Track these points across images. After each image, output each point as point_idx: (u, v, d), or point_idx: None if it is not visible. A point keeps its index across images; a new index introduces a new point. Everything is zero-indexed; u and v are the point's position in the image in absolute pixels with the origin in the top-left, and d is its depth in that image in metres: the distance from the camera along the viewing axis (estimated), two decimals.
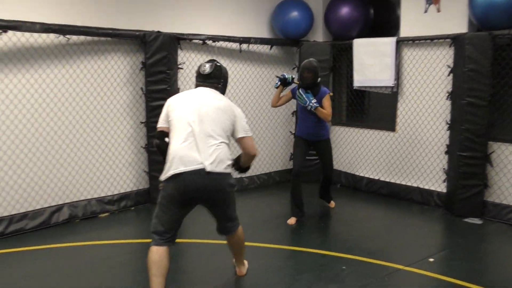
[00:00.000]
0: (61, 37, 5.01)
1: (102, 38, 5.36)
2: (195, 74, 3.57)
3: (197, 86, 3.52)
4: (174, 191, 3.20)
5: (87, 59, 5.30)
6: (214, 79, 3.48)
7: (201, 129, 3.22)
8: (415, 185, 6.09)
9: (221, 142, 3.27)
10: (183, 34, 5.95)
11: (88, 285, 3.75)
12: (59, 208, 5.15)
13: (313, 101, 4.93)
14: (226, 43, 6.44)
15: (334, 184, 6.86)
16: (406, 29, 6.10)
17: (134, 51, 5.67)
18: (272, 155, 7.14)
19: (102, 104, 5.48)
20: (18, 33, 4.71)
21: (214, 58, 6.40)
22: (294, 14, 6.76)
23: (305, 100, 4.95)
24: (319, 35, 7.16)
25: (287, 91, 5.41)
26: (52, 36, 4.95)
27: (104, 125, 5.52)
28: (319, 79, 5.08)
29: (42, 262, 4.22)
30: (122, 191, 5.71)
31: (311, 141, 5.23)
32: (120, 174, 5.70)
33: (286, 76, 5.23)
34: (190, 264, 4.21)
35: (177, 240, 3.46)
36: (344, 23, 6.67)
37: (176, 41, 5.88)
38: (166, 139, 3.33)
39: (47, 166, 5.09)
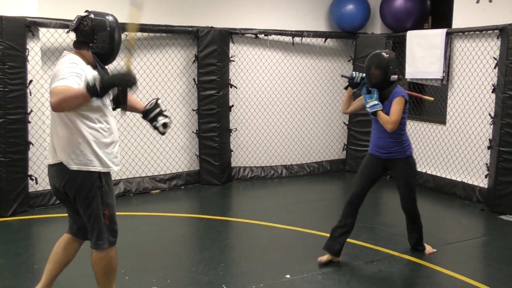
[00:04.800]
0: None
1: (158, 34, 6.02)
2: None
3: None
4: None
5: (143, 53, 6.00)
6: (80, 37, 2.80)
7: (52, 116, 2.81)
8: (459, 179, 5.97)
9: (59, 128, 2.75)
10: (235, 29, 6.42)
11: (131, 246, 4.27)
12: (115, 183, 5.92)
13: (370, 103, 3.74)
14: (279, 36, 6.78)
15: (386, 177, 6.93)
16: (458, 20, 5.96)
17: (187, 45, 6.27)
18: (325, 145, 7.36)
19: (157, 93, 6.15)
20: None
21: (267, 51, 6.79)
22: (350, 7, 6.91)
23: (365, 101, 3.81)
24: (377, 27, 7.21)
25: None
26: None
27: None
28: (394, 76, 3.77)
29: None
30: (174, 171, 6.36)
31: (384, 160, 3.91)
32: (173, 156, 6.36)
33: (354, 75, 3.93)
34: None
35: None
36: (398, 15, 6.67)
37: (228, 35, 6.36)
38: None
39: None
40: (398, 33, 6.83)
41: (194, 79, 6.31)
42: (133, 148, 6.07)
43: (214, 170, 6.40)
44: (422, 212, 5.40)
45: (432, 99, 4.62)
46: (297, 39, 6.89)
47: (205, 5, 6.34)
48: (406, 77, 6.58)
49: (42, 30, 5.29)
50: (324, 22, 7.19)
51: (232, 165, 6.67)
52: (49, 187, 5.31)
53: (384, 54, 3.78)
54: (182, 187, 6.37)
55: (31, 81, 5.15)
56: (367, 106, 3.76)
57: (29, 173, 5.22)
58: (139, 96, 6.01)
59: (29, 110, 5.15)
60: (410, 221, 4.15)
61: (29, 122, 5.17)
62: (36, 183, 5.27)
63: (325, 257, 3.94)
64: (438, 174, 6.27)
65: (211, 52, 6.19)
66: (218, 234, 4.76)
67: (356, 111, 4.13)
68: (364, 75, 3.90)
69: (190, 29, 6.12)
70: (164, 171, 6.30)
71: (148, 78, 6.07)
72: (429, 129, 6.46)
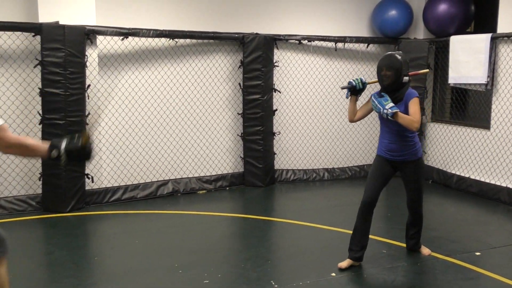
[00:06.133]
0: (171, 40, 6.03)
1: (206, 41, 6.27)
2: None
3: None
4: None
5: (192, 59, 6.27)
6: None
7: None
8: (504, 185, 5.95)
9: None
10: (279, 35, 6.61)
11: (182, 243, 4.60)
12: (164, 183, 6.21)
13: (387, 106, 3.62)
14: (322, 42, 6.92)
15: (425, 180, 6.97)
16: (504, 25, 5.95)
17: (233, 51, 6.49)
18: (366, 149, 7.44)
19: (204, 97, 6.41)
20: (136, 38, 5.82)
21: (310, 56, 6.94)
22: (393, 12, 6.99)
23: (378, 107, 3.67)
24: (419, 32, 7.25)
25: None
26: (163, 40, 5.99)
27: (206, 115, 6.45)
28: (405, 78, 3.75)
29: (148, 223, 5.27)
30: (219, 172, 6.59)
31: (394, 162, 3.93)
32: (218, 158, 6.59)
33: (354, 83, 3.93)
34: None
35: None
36: (441, 20, 6.70)
37: (272, 41, 6.56)
38: None
39: (157, 147, 6.17)
40: (441, 38, 6.85)
41: (239, 84, 6.53)
42: (181, 150, 6.33)
43: (258, 172, 6.59)
44: (466, 216, 5.49)
45: (427, 71, 4.61)
46: (339, 45, 7.01)
47: (251, 13, 6.56)
48: (449, 82, 6.62)
49: (99, 38, 5.61)
50: (367, 28, 7.29)
51: (275, 168, 6.84)
52: (104, 185, 5.65)
53: (396, 55, 3.75)
54: (227, 188, 6.59)
55: (89, 85, 5.48)
56: (386, 107, 3.60)
57: (86, 172, 5.54)
58: (187, 100, 6.28)
59: (86, 113, 5.47)
60: (414, 221, 4.14)
61: (87, 124, 5.49)
62: (92, 181, 5.59)
63: (345, 263, 3.97)
64: (482, 179, 6.25)
65: (256, 57, 6.39)
66: (263, 233, 4.95)
67: (363, 117, 4.10)
68: (362, 79, 3.93)
69: (236, 35, 6.35)
70: (210, 172, 6.54)
71: (196, 83, 6.33)
72: (473, 134, 6.45)
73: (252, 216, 5.42)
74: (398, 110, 3.63)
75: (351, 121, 4.13)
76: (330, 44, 6.98)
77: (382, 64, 3.76)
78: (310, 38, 6.77)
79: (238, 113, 6.59)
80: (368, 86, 4.29)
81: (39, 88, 5.27)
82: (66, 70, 5.24)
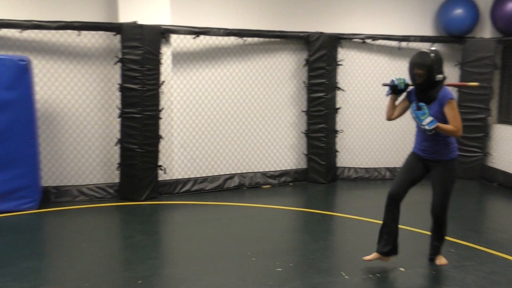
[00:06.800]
0: (239, 39, 6.25)
1: (272, 39, 6.46)
2: None
3: None
4: None
5: (259, 57, 6.48)
6: None
7: None
8: None
9: None
10: (343, 34, 6.71)
11: (251, 233, 4.81)
12: (231, 176, 6.45)
13: (426, 121, 3.51)
14: (385, 41, 6.96)
15: (490, 183, 6.88)
16: None
17: (299, 49, 6.65)
18: None
19: (270, 94, 6.60)
20: (207, 37, 6.08)
21: (374, 55, 7.00)
22: (459, 11, 6.94)
23: (418, 119, 3.56)
24: (486, 31, 7.15)
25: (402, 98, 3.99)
26: (232, 38, 6.23)
27: (271, 112, 6.64)
28: (439, 76, 3.59)
29: (217, 213, 5.52)
30: (283, 168, 6.77)
31: (427, 161, 3.82)
32: (283, 154, 6.77)
33: (396, 83, 3.82)
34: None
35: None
36: (510, 19, 6.59)
37: (336, 40, 6.67)
38: None
39: (224, 142, 6.42)
40: (509, 37, 6.74)
41: (304, 82, 6.68)
42: (247, 145, 6.56)
43: (321, 169, 6.72)
44: None
45: (477, 84, 4.28)
46: (403, 44, 7.02)
47: (316, 12, 6.69)
48: None
49: (173, 36, 5.90)
50: (431, 27, 7.26)
51: (337, 165, 6.95)
52: (175, 177, 5.95)
53: (428, 53, 3.59)
54: (291, 183, 6.76)
55: (163, 82, 5.78)
56: (424, 123, 3.52)
57: (159, 163, 5.85)
58: (253, 97, 6.50)
59: (160, 108, 5.78)
60: (436, 228, 3.95)
61: (160, 118, 5.80)
62: (165, 173, 5.91)
63: (371, 256, 3.96)
64: None
65: (321, 56, 6.52)
66: (329, 227, 5.08)
67: (400, 115, 3.98)
68: (406, 80, 3.81)
69: (302, 34, 6.50)
70: (275, 168, 6.73)
71: (263, 80, 6.53)
72: None
73: (316, 210, 5.56)
74: (437, 124, 3.53)
75: (389, 119, 4.02)
76: (394, 43, 7.01)
77: (412, 63, 3.64)
78: (374, 37, 6.83)
79: (302, 111, 6.74)
80: None
81: (118, 84, 5.61)
82: (143, 67, 5.56)
